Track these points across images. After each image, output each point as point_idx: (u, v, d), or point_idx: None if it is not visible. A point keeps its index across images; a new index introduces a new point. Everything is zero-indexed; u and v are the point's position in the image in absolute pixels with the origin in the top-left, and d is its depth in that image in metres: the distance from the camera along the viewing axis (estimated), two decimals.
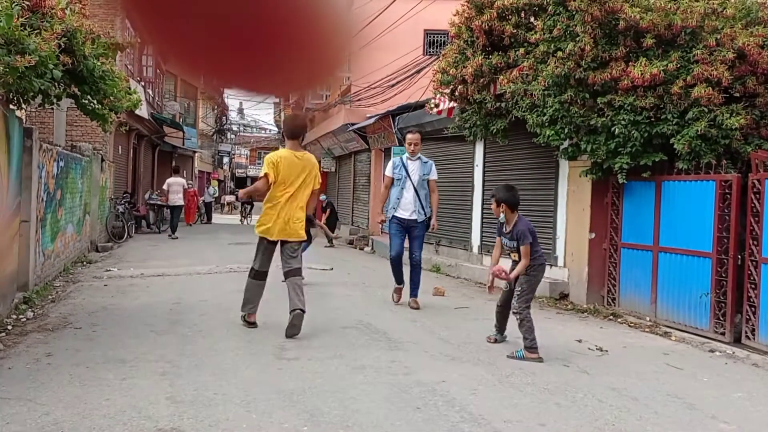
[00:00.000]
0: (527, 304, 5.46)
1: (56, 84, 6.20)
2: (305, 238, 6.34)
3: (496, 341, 5.90)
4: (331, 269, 11.24)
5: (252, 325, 6.25)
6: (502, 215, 5.60)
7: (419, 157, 7.54)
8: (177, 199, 17.44)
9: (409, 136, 7.62)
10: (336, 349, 5.52)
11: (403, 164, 7.52)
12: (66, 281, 9.13)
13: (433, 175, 7.57)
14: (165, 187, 18.01)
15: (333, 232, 17.00)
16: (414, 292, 7.53)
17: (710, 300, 6.58)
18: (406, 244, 7.64)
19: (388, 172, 7.66)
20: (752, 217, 6.29)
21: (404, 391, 4.42)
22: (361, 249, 16.15)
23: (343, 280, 9.95)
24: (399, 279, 7.74)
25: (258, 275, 6.24)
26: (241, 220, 28.83)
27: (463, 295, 8.85)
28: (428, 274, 11.16)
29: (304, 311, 5.89)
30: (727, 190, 6.54)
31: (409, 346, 5.72)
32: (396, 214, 7.50)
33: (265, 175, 5.99)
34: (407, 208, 7.46)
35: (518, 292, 5.48)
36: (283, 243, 6.11)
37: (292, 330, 5.83)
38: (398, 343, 5.80)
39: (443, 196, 12.98)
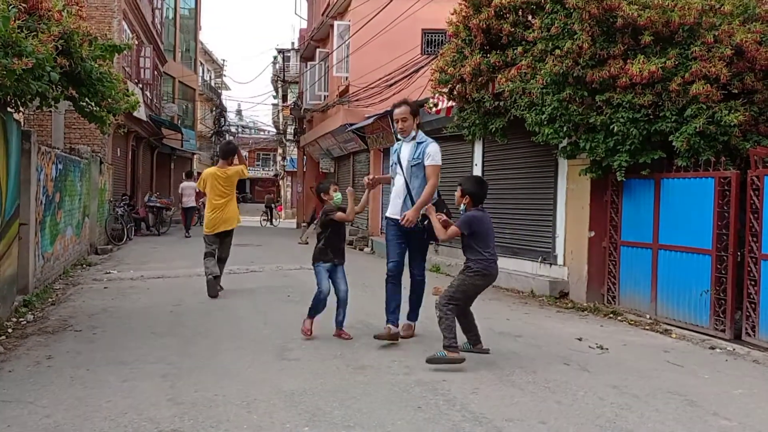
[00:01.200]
0: (450, 303, 5.06)
1: (54, 86, 6.19)
2: (234, 226, 8.51)
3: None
4: None
5: (216, 279, 8.22)
6: (463, 206, 5.17)
7: (414, 137, 5.91)
8: (190, 201, 18.95)
9: (395, 111, 6.01)
10: (336, 349, 5.52)
11: (398, 148, 6.03)
12: (66, 284, 9.13)
13: (430, 160, 5.77)
14: (179, 191, 19.57)
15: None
16: (412, 314, 6.04)
17: (710, 297, 6.58)
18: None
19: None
20: (751, 213, 6.29)
21: (405, 390, 4.42)
22: (361, 249, 16.15)
23: None
24: (392, 311, 5.85)
25: (207, 255, 8.35)
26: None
27: None
28: (428, 274, 11.13)
29: (218, 277, 8.26)
30: (726, 187, 6.54)
31: (410, 346, 5.71)
32: (387, 214, 6.04)
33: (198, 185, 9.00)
34: (396, 204, 5.92)
35: (447, 288, 5.19)
36: (221, 234, 8.38)
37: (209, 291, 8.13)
38: (398, 343, 5.79)
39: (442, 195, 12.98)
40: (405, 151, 5.91)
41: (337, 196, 6.27)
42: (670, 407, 4.25)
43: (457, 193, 5.20)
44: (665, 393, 4.56)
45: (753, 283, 6.21)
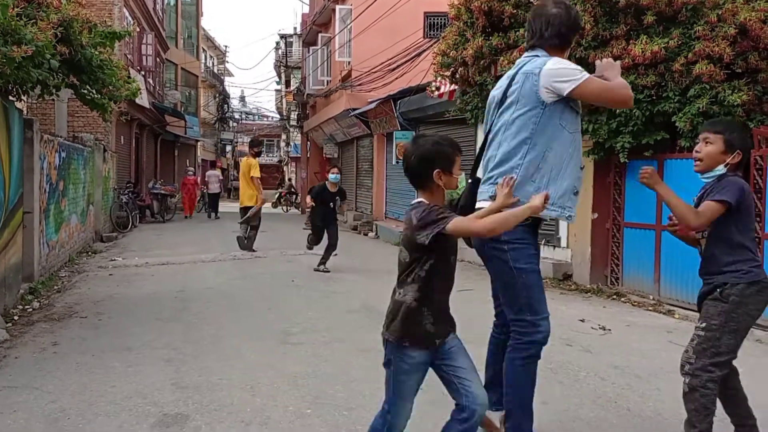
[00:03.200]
0: (713, 366, 2.92)
1: (54, 74, 6.19)
2: (246, 204, 11.05)
3: None
4: (336, 255, 11.26)
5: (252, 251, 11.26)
6: (720, 168, 2.99)
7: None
8: (215, 188, 22.16)
9: None
10: (340, 333, 5.56)
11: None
12: (71, 271, 9.18)
13: None
14: (206, 178, 23.03)
15: (319, 233, 9.72)
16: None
17: None
18: None
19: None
20: (755, 193, 6.26)
21: None
22: (365, 234, 16.17)
23: (347, 265, 9.97)
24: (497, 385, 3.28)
25: (241, 223, 11.37)
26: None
27: (467, 278, 8.85)
28: None
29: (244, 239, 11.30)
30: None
31: None
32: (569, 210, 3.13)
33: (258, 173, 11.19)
34: (569, 196, 3.15)
35: (700, 336, 2.97)
36: (244, 208, 11.18)
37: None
38: None
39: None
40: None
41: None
42: (672, 387, 4.26)
43: (713, 147, 3.00)
44: (667, 373, 4.57)
45: None
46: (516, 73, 3.11)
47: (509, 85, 3.11)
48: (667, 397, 4.05)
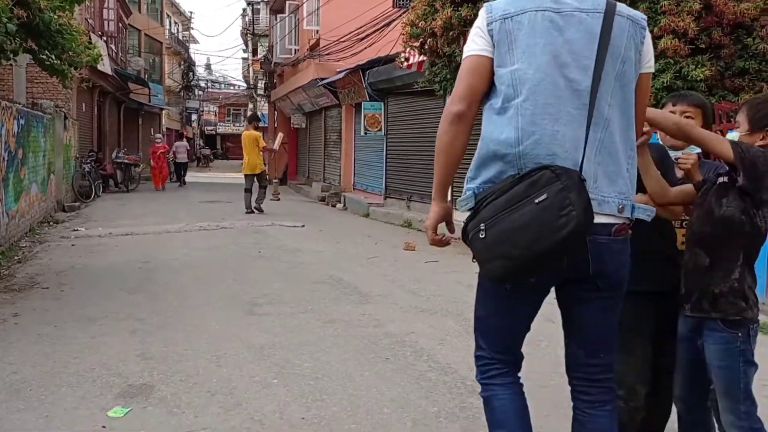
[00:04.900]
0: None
1: (11, 38, 5.99)
2: (257, 171, 12.99)
3: None
4: (303, 226, 11.24)
5: (249, 209, 12.89)
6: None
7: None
8: (182, 157, 23.00)
9: None
10: (307, 304, 5.57)
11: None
12: (32, 241, 9.00)
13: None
14: (174, 148, 23.42)
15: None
16: None
17: None
18: None
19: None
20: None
21: (374, 342, 4.49)
22: (333, 206, 16.13)
23: (315, 237, 9.97)
24: None
25: (246, 190, 13.04)
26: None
27: (434, 250, 8.92)
28: (399, 229, 11.23)
29: (258, 207, 12.93)
30: None
31: (379, 300, 5.79)
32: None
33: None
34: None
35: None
36: (251, 175, 13.04)
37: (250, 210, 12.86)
38: (368, 297, 5.87)
39: (414, 151, 12.99)
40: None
41: None
42: None
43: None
44: None
45: None
46: (611, 12, 1.91)
47: (608, 29, 1.90)
48: None
